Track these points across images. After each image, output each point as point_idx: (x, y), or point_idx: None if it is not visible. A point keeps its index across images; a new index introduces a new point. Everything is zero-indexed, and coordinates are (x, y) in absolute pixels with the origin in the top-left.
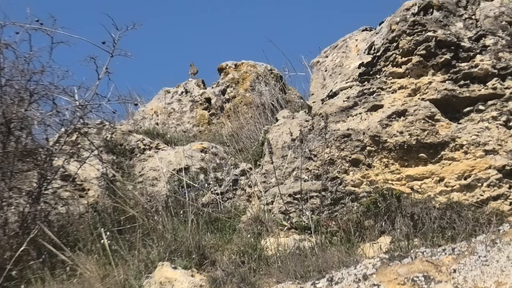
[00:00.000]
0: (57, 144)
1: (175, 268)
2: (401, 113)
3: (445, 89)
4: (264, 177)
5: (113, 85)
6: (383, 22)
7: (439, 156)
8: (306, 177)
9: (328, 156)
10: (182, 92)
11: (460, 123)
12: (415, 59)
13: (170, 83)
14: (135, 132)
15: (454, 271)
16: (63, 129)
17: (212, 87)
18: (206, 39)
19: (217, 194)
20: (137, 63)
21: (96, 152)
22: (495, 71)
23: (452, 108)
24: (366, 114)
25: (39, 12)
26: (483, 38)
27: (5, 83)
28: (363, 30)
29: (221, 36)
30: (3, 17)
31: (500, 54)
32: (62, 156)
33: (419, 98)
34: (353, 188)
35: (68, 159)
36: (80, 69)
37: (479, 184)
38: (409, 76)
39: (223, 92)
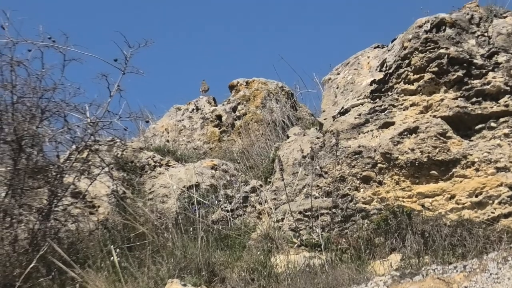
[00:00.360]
0: (68, 161)
1: (184, 285)
2: (412, 130)
3: (457, 106)
4: (275, 194)
5: (125, 102)
6: (395, 39)
7: (451, 173)
8: (317, 194)
9: (339, 173)
10: (193, 109)
11: (472, 140)
12: (427, 76)
13: (181, 100)
14: (146, 149)
15: None
16: (74, 146)
17: (223, 104)
18: (217, 56)
19: (227, 211)
20: (148, 80)
21: (106, 169)
22: (508, 88)
23: (464, 125)
24: (378, 131)
25: (52, 30)
26: (495, 55)
27: (17, 100)
28: (375, 47)
29: (232, 53)
30: (15, 34)
31: None
32: (73, 173)
33: (431, 115)
34: (363, 205)
35: (78, 176)
36: (92, 86)
37: (490, 202)
38: (421, 93)
39: (234, 109)
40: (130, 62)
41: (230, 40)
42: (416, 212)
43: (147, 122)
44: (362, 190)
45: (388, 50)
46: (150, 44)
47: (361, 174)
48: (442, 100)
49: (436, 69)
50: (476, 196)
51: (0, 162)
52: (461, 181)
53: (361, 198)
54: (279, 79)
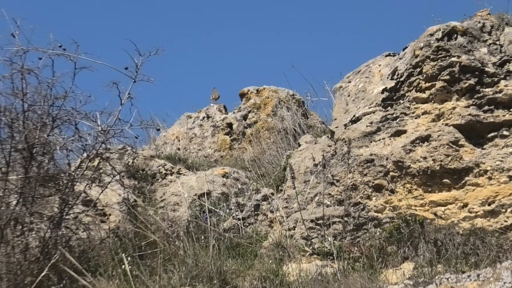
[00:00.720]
0: (79, 169)
1: None
2: (424, 139)
3: (469, 114)
4: (286, 202)
5: (136, 110)
6: (406, 47)
7: (463, 181)
8: (329, 203)
9: (351, 182)
10: (203, 117)
11: (484, 149)
12: (439, 84)
13: (191, 108)
14: (157, 157)
15: None
16: (85, 154)
17: (234, 112)
18: (228, 64)
19: (239, 219)
20: (159, 88)
21: (117, 177)
22: None
23: (476, 133)
24: (390, 139)
25: (62, 38)
26: (507, 64)
27: (28, 108)
28: (386, 56)
29: (243, 61)
30: (26, 42)
31: None
32: (84, 181)
33: (443, 124)
34: (376, 214)
35: (89, 184)
36: (102, 94)
37: (503, 210)
38: (432, 101)
39: (245, 117)
40: (141, 70)
41: (241, 48)
42: (429, 220)
43: (158, 130)
44: (374, 198)
45: (400, 58)
46: (161, 52)
47: (373, 183)
48: (454, 108)
49: (447, 77)
50: (489, 205)
51: (11, 170)
52: (473, 190)
53: (373, 207)
54: (290, 87)
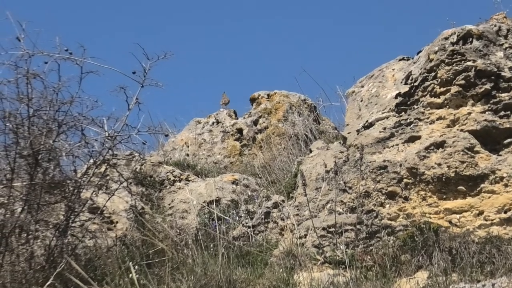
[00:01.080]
0: (85, 176)
1: None
2: (439, 145)
3: (485, 120)
4: (297, 209)
5: (143, 116)
6: (420, 51)
7: (479, 188)
8: (341, 210)
9: (364, 189)
10: (213, 123)
11: (500, 155)
12: (454, 89)
13: (201, 113)
14: (165, 164)
15: None
16: (91, 161)
17: (244, 118)
18: (238, 68)
19: (249, 227)
20: (168, 93)
21: (125, 184)
22: None
23: (492, 139)
24: (403, 145)
25: (69, 42)
26: None
27: (33, 113)
28: (400, 60)
29: (253, 65)
30: (31, 46)
31: None
32: (90, 188)
33: (458, 129)
34: (389, 222)
35: (96, 191)
36: (109, 99)
37: None
38: (447, 106)
39: (255, 122)
40: (149, 75)
41: (251, 52)
42: (443, 228)
43: (167, 135)
44: (387, 206)
45: (414, 63)
46: (170, 56)
47: (386, 190)
48: (469, 113)
49: (463, 82)
50: (505, 212)
51: (16, 176)
52: (489, 197)
53: (387, 214)
54: (301, 92)
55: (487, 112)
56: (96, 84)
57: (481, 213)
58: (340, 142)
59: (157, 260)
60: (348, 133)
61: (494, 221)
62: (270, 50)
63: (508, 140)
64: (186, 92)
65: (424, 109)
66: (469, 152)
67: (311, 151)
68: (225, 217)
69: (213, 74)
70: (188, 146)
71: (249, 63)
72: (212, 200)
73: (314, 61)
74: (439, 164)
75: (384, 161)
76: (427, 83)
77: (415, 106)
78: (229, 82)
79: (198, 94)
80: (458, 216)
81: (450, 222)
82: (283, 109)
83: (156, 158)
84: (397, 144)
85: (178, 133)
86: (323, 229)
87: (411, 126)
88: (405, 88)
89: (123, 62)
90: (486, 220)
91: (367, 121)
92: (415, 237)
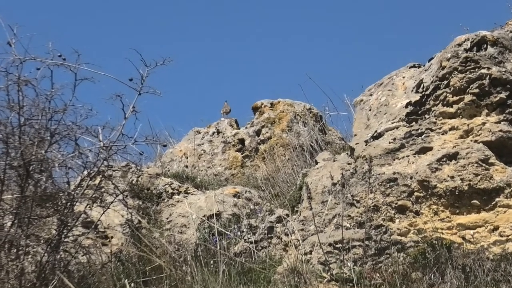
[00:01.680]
0: (79, 188)
1: None
2: (452, 156)
3: (500, 130)
4: (302, 224)
5: (140, 125)
6: (432, 58)
7: (493, 203)
8: (348, 225)
9: (372, 202)
10: (213, 133)
11: None
12: (467, 98)
13: (200, 123)
14: (163, 175)
15: None
16: (85, 172)
17: (246, 127)
18: (240, 76)
19: (251, 242)
20: (166, 102)
21: (120, 196)
22: None
23: (507, 150)
24: (414, 157)
25: (62, 47)
26: None
27: (24, 122)
28: (410, 67)
29: (256, 73)
30: (23, 52)
31: None
32: (84, 201)
33: (471, 140)
34: (399, 237)
35: (90, 204)
36: (105, 107)
37: None
38: (461, 116)
39: (258, 132)
40: (147, 82)
41: (254, 59)
42: (456, 244)
43: (165, 146)
44: (397, 220)
45: (425, 70)
46: (168, 62)
47: (396, 203)
48: (483, 124)
49: (477, 90)
50: None
51: (6, 189)
52: (505, 212)
53: (397, 230)
54: (306, 101)
55: (502, 123)
56: (91, 92)
57: (496, 228)
58: (347, 153)
59: (154, 277)
60: (356, 143)
61: (510, 237)
62: (273, 56)
63: None
64: (185, 101)
65: (436, 119)
66: (484, 164)
67: (316, 163)
68: (226, 232)
69: (213, 82)
70: (187, 157)
71: (251, 70)
72: (213, 214)
73: (320, 68)
74: (452, 177)
75: (394, 173)
76: (439, 92)
77: (427, 116)
78: (231, 91)
79: (198, 103)
80: (472, 231)
81: (463, 238)
82: (287, 118)
83: (153, 170)
84: (407, 156)
85: (176, 143)
86: (330, 245)
87: (423, 136)
88: (416, 97)
89: (119, 69)
90: (502, 236)
91: (376, 131)
92: (427, 254)
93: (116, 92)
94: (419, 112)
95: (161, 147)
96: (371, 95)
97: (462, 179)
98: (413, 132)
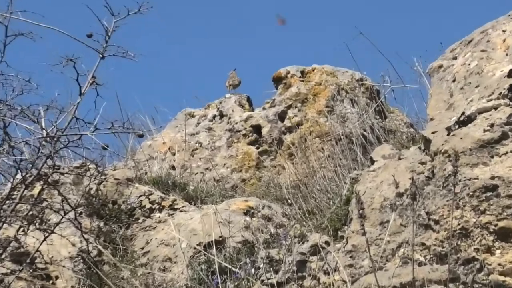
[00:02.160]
0: (8, 202)
1: None
2: None
3: None
4: (351, 257)
5: (104, 104)
6: None
7: None
8: (422, 259)
9: (459, 223)
10: (214, 116)
11: None
12: None
13: (195, 102)
14: (137, 181)
15: None
16: (18, 176)
17: (264, 108)
18: (257, 35)
19: (272, 285)
20: (144, 70)
21: (71, 214)
22: None
23: None
24: None
25: None
26: None
27: None
28: None
29: (280, 30)
30: None
31: None
32: (15, 221)
33: None
34: (502, 278)
35: (24, 226)
36: (50, 78)
37: None
38: None
39: (282, 115)
40: (114, 40)
41: (274, 10)
42: None
43: (141, 136)
44: (498, 251)
45: None
46: (145, 10)
47: (496, 225)
48: None
49: None
50: None
51: None
52: None
53: (498, 266)
54: (356, 67)
55: None
56: (29, 54)
57: None
58: (419, 148)
59: None
60: (433, 132)
61: None
62: (305, 8)
63: None
64: (173, 69)
65: None
66: None
67: (373, 162)
68: (234, 269)
69: (216, 44)
70: (174, 154)
71: (273, 26)
72: (212, 242)
73: (375, 22)
74: None
75: (493, 178)
76: None
77: None
78: (241, 57)
79: (192, 73)
80: None
81: None
82: (326, 94)
83: (122, 173)
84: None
85: (159, 132)
86: None
87: None
88: None
89: (73, 20)
90: None
91: (463, 113)
92: None
93: (68, 55)
94: None
95: (135, 138)
96: (455, 58)
97: None
98: None
